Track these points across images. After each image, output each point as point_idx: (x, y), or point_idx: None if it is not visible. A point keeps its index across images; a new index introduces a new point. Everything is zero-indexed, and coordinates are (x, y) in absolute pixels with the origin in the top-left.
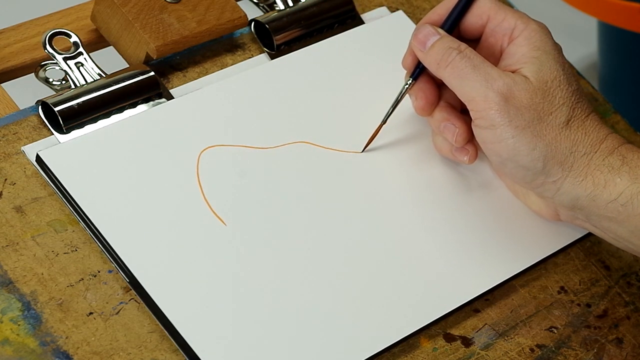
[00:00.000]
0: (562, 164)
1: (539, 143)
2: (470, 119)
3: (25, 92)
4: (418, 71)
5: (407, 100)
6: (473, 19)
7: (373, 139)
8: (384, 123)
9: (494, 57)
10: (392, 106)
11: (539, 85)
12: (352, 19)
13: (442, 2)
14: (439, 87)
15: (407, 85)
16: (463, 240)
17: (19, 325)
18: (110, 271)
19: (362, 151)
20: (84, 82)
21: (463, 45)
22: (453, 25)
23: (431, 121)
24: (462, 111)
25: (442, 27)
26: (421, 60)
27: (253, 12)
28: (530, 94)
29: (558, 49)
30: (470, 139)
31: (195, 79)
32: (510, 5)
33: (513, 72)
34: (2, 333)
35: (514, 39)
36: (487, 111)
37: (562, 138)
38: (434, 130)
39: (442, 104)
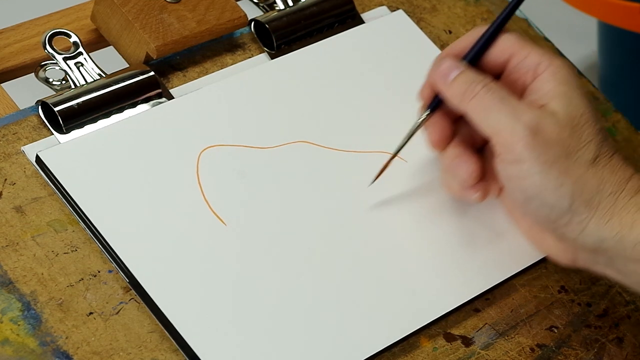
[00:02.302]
0: (589, 203)
1: (567, 180)
2: (484, 158)
3: (25, 92)
4: (435, 104)
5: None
6: (496, 55)
7: (383, 171)
8: (396, 155)
9: (517, 95)
10: (405, 138)
11: (568, 121)
12: (352, 19)
13: (463, 36)
14: (454, 122)
15: (423, 118)
16: (463, 240)
17: (19, 325)
18: (110, 271)
19: (371, 185)
20: (84, 82)
21: (487, 79)
22: (475, 59)
23: (443, 157)
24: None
25: (464, 58)
26: (443, 93)
27: (253, 12)
28: (558, 129)
29: (582, 85)
30: (482, 177)
31: (195, 79)
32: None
33: (540, 106)
34: (2, 333)
35: (538, 75)
36: (514, 145)
37: (589, 176)
38: (443, 168)
39: (457, 140)
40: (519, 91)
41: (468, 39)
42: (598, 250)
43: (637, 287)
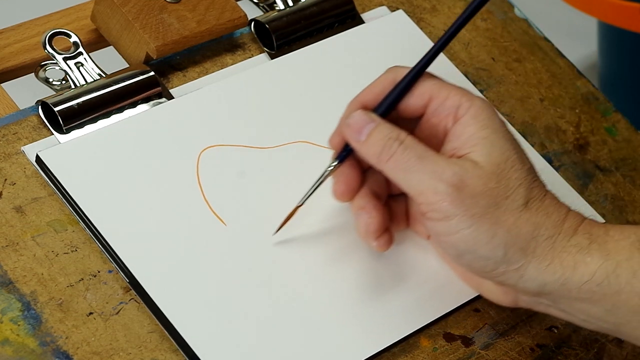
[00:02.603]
0: (524, 250)
1: (499, 230)
2: (388, 210)
3: (25, 92)
4: (345, 154)
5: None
6: (413, 100)
7: (287, 221)
8: (302, 204)
9: (437, 139)
10: (312, 188)
11: (492, 169)
12: (352, 19)
13: (377, 80)
14: (364, 171)
15: (330, 167)
16: None
17: (19, 325)
18: (110, 271)
19: (275, 234)
20: (84, 82)
21: (403, 134)
22: (390, 108)
23: (350, 205)
24: (391, 195)
25: (377, 110)
26: (357, 151)
27: (253, 12)
28: (483, 180)
29: (504, 124)
30: (385, 229)
31: (195, 79)
32: (511, 6)
33: (461, 156)
34: (2, 333)
35: (459, 118)
36: (439, 204)
37: (522, 222)
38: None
39: (364, 191)
40: (440, 135)
41: (382, 83)
42: (541, 293)
43: (583, 324)
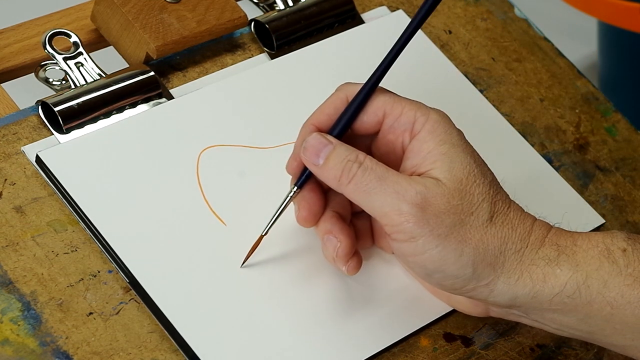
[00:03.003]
0: (493, 265)
1: (466, 248)
2: (355, 228)
3: (25, 92)
4: (303, 179)
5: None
6: (367, 117)
7: (252, 252)
8: (265, 234)
9: (395, 155)
10: (274, 216)
11: (454, 186)
12: (352, 19)
13: (328, 100)
14: (325, 193)
15: (291, 194)
16: None
17: (19, 325)
18: (110, 271)
19: (242, 266)
20: (84, 82)
21: (362, 155)
22: (345, 128)
23: (315, 229)
24: (354, 213)
25: (332, 131)
26: (316, 175)
27: (253, 12)
28: (446, 198)
29: (462, 136)
30: (354, 252)
31: (195, 79)
32: (511, 6)
33: (422, 174)
34: (2, 333)
35: (415, 134)
36: (404, 225)
37: (488, 238)
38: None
39: (328, 214)
40: (398, 152)
41: (334, 103)
42: (512, 306)
43: (555, 332)
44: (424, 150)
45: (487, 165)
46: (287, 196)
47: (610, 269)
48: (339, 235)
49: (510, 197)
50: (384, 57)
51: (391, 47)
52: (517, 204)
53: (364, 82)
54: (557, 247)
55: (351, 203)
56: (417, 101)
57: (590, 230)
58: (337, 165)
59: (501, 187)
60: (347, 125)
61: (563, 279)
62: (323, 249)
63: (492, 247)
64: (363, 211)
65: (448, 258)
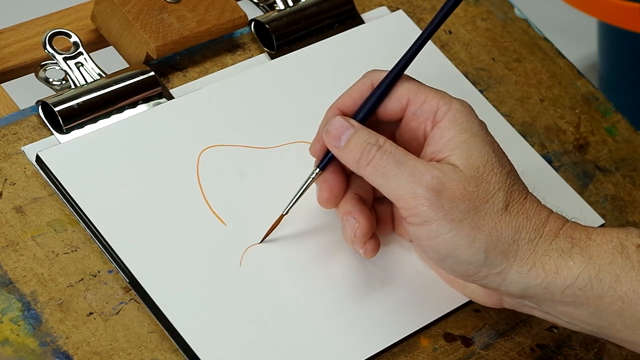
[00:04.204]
0: (506, 254)
1: (479, 234)
2: (376, 213)
3: (25, 92)
4: (326, 161)
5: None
6: (392, 104)
7: (273, 229)
8: (286, 214)
9: (417, 142)
10: (295, 196)
11: (471, 173)
12: (352, 19)
13: (355, 85)
14: (348, 176)
15: (313, 175)
16: None
17: (19, 325)
18: (110, 271)
19: (261, 242)
20: (84, 82)
21: (382, 139)
22: (369, 114)
23: (336, 211)
24: (376, 199)
25: (356, 115)
26: (337, 157)
27: (253, 12)
28: (462, 184)
29: (484, 127)
30: (372, 234)
31: (195, 79)
32: (511, 6)
33: (440, 160)
34: (2, 333)
35: (437, 121)
36: (418, 208)
37: (502, 226)
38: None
39: (349, 196)
40: (420, 139)
41: (360, 88)
42: (524, 296)
43: (568, 325)
44: (444, 137)
45: (506, 156)
46: (309, 177)
47: (623, 263)
48: (358, 216)
49: None
50: (411, 44)
51: (417, 36)
52: (535, 196)
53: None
54: (571, 240)
55: (373, 188)
56: (440, 90)
57: None
58: (357, 147)
59: (519, 179)
60: (371, 110)
61: (575, 271)
62: (342, 230)
63: (506, 236)
64: (385, 197)
65: (461, 243)
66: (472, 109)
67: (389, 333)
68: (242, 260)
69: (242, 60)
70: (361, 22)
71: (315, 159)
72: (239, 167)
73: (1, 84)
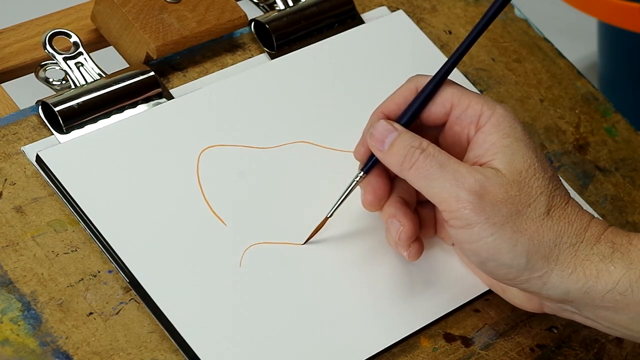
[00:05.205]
0: (547, 258)
1: (520, 238)
2: (419, 216)
3: (25, 92)
4: (370, 165)
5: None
6: (435, 108)
7: (317, 232)
8: (330, 216)
9: (461, 146)
10: (340, 199)
11: (513, 177)
12: (352, 19)
13: (399, 90)
14: (392, 180)
15: (357, 178)
16: None
17: (19, 325)
18: (110, 271)
19: (304, 243)
20: (84, 82)
21: (425, 142)
22: (412, 118)
23: (380, 214)
24: (419, 202)
25: (400, 119)
26: (381, 161)
27: (253, 12)
28: (505, 188)
29: (527, 132)
30: (416, 237)
31: (195, 79)
32: (511, 6)
33: (483, 164)
34: (2, 333)
35: (481, 126)
36: (460, 211)
37: (544, 230)
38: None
39: (393, 199)
40: (463, 143)
41: (404, 93)
42: (565, 300)
43: (608, 331)
44: (487, 142)
45: (548, 162)
46: (353, 180)
47: None
48: (402, 219)
49: None
50: (455, 49)
51: (460, 43)
52: (576, 202)
53: (432, 74)
54: (612, 245)
55: (417, 191)
56: (484, 95)
57: None
58: (401, 151)
59: (561, 184)
60: (415, 114)
61: (616, 276)
62: (386, 233)
63: (547, 240)
64: (428, 200)
65: (502, 247)
66: (515, 114)
67: (389, 333)
68: (242, 260)
69: (242, 60)
70: (361, 22)
71: (359, 163)
72: (239, 167)
73: (1, 84)
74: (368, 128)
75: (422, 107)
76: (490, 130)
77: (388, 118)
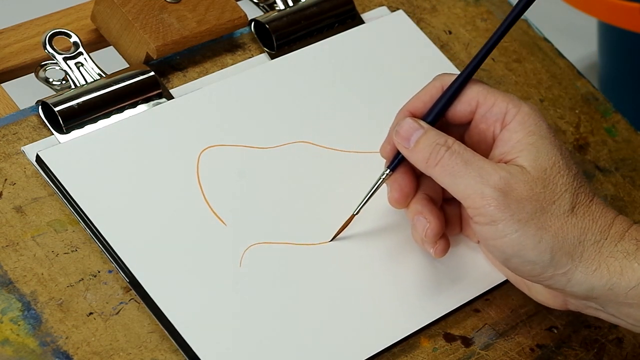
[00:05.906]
0: (572, 254)
1: (545, 235)
2: (445, 214)
3: (25, 92)
4: (396, 162)
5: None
6: (461, 106)
7: (344, 229)
8: (357, 213)
9: (486, 144)
10: (366, 196)
11: (538, 174)
12: (352, 19)
13: (425, 88)
14: (418, 177)
15: (383, 176)
16: (464, 241)
17: (19, 325)
18: (110, 271)
19: (331, 240)
20: (84, 82)
21: (450, 140)
22: (438, 116)
23: (406, 211)
24: (445, 200)
25: (426, 117)
26: (406, 158)
27: (253, 12)
28: (529, 185)
29: (552, 130)
30: (442, 234)
31: (195, 79)
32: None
33: (508, 161)
34: (2, 333)
35: (506, 124)
36: (485, 208)
37: (568, 227)
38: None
39: (419, 196)
40: (489, 141)
41: (430, 92)
42: (589, 297)
43: (632, 328)
44: (513, 139)
45: (573, 160)
46: (380, 178)
47: None
48: (429, 216)
49: None
50: (481, 47)
51: (484, 46)
52: (601, 199)
53: (457, 73)
54: (637, 242)
55: (443, 189)
56: (509, 93)
57: None
58: (426, 148)
59: (585, 181)
60: (441, 112)
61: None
62: (412, 230)
63: (572, 237)
64: (454, 198)
65: (527, 243)
66: (540, 114)
67: (389, 333)
68: (242, 260)
69: (242, 60)
70: (361, 22)
71: (385, 160)
72: (239, 167)
73: (1, 84)
74: (394, 126)
75: (448, 105)
76: (516, 128)
77: (414, 116)
